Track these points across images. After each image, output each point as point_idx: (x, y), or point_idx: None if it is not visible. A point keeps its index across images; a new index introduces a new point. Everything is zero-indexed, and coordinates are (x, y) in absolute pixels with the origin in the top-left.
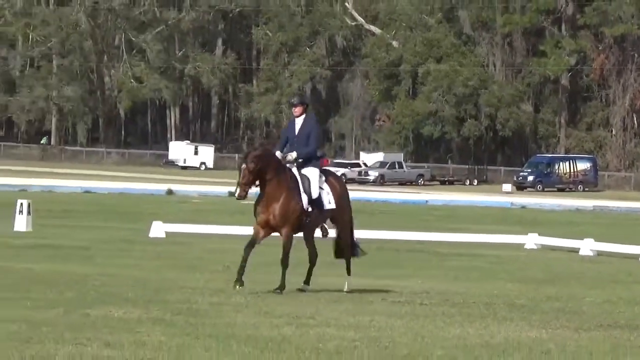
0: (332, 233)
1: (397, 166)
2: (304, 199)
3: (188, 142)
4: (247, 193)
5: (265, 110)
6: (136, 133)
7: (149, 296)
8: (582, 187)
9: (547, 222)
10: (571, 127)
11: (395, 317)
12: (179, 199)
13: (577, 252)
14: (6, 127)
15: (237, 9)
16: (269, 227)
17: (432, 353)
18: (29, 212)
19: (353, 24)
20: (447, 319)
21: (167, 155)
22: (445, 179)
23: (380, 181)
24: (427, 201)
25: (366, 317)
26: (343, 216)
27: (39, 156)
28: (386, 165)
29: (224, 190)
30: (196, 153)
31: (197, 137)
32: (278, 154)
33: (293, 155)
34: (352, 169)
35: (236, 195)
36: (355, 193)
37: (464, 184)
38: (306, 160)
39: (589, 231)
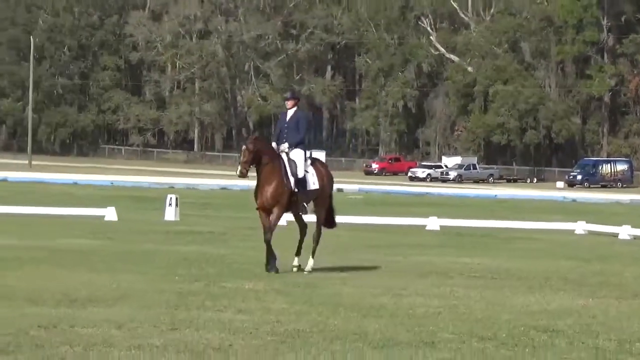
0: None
1: (471, 167)
2: (291, 180)
3: None
4: (247, 171)
5: (365, 122)
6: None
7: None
8: (620, 185)
9: (593, 212)
10: (612, 136)
11: (471, 289)
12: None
13: (617, 236)
14: (158, 137)
15: (343, 41)
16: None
17: (501, 317)
18: (176, 205)
19: (436, 53)
20: (513, 290)
21: None
22: (511, 178)
23: (458, 180)
24: (496, 195)
25: (447, 289)
26: (324, 197)
27: (185, 160)
28: (463, 166)
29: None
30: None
31: (312, 145)
32: (273, 144)
33: (285, 145)
34: (436, 169)
35: (237, 172)
36: (439, 189)
37: (526, 182)
38: (292, 146)
39: (627, 220)
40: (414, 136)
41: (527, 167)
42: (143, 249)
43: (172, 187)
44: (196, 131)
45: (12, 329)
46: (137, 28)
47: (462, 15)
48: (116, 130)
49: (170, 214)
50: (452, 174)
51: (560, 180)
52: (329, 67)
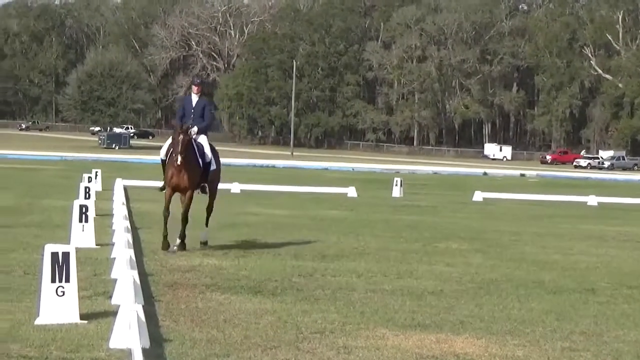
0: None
1: (621, 159)
2: (200, 162)
3: (496, 144)
4: None
5: (541, 125)
6: (465, 138)
7: (474, 235)
8: None
9: None
10: None
11: (621, 249)
12: (490, 178)
13: None
14: (387, 135)
15: (525, 64)
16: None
17: None
18: (401, 185)
19: (595, 73)
20: None
21: (482, 152)
22: None
23: (611, 168)
24: (636, 180)
25: (603, 249)
26: (217, 176)
27: (407, 152)
28: (614, 158)
29: (515, 173)
30: (500, 150)
31: (501, 140)
32: (175, 123)
33: (195, 129)
34: (594, 160)
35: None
36: (596, 175)
37: None
38: (200, 132)
39: None
40: (578, 135)
41: None
42: (376, 218)
43: (398, 172)
44: (415, 131)
45: (279, 277)
46: (372, 54)
47: (615, 45)
48: (356, 129)
49: (396, 192)
50: (607, 164)
51: None
52: (514, 84)
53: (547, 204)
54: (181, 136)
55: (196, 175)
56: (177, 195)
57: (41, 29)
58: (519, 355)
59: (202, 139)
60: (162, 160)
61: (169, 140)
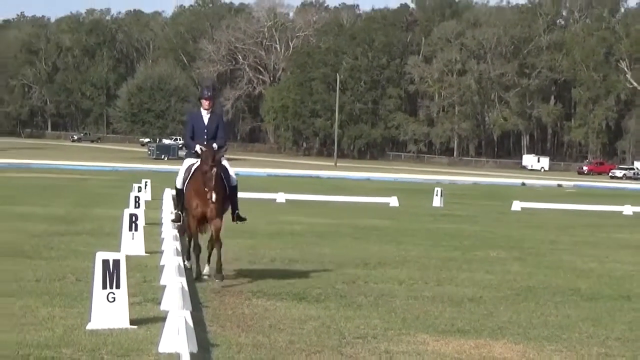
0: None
1: None
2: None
3: (534, 155)
4: None
5: (578, 136)
6: (503, 149)
7: (512, 243)
8: None
9: None
10: None
11: None
12: (528, 188)
13: None
14: (428, 146)
15: (563, 78)
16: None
17: None
18: (441, 195)
19: (630, 86)
20: None
21: (521, 163)
22: None
23: None
24: None
25: (638, 258)
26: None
27: (447, 163)
28: None
29: (553, 183)
30: (538, 161)
31: (538, 152)
32: (197, 147)
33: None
34: (629, 171)
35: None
36: (632, 185)
37: None
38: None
39: None
40: (614, 146)
41: None
42: (417, 227)
43: (438, 183)
44: (455, 142)
45: (322, 284)
46: (413, 68)
47: None
48: (398, 141)
49: (437, 201)
50: None
51: None
52: (552, 97)
53: (583, 214)
54: (214, 170)
55: (223, 202)
56: None
57: (93, 43)
58: None
59: (224, 161)
60: (178, 190)
61: (186, 165)
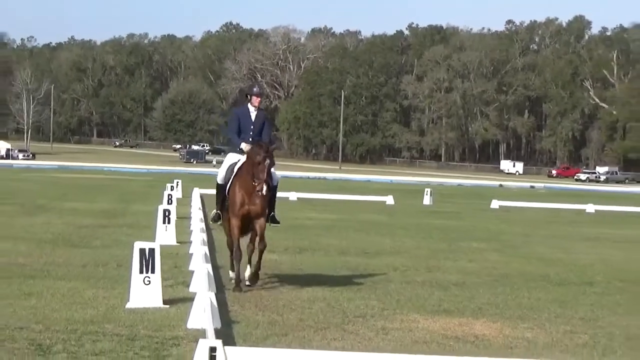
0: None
1: (615, 173)
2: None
3: (510, 160)
4: None
5: (548, 145)
6: (484, 155)
7: (491, 236)
8: None
9: None
10: None
11: (614, 249)
12: (505, 189)
13: None
14: (419, 153)
15: (535, 95)
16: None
17: (636, 267)
18: (431, 195)
19: (593, 102)
20: None
21: (499, 167)
22: (638, 181)
23: (606, 181)
24: (629, 191)
25: (599, 249)
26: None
27: (436, 167)
28: (609, 173)
29: (526, 185)
30: (514, 166)
31: (514, 158)
32: (243, 144)
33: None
34: (592, 174)
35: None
36: (594, 187)
37: None
38: None
39: None
40: (579, 153)
41: None
42: (410, 222)
43: (428, 184)
44: (443, 149)
45: (328, 270)
46: (407, 85)
47: (610, 79)
48: (393, 148)
49: (427, 200)
50: (602, 178)
51: None
52: (526, 110)
53: (552, 211)
54: (267, 161)
55: (267, 200)
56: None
57: (132, 63)
58: (528, 336)
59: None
60: (219, 185)
61: (229, 161)
